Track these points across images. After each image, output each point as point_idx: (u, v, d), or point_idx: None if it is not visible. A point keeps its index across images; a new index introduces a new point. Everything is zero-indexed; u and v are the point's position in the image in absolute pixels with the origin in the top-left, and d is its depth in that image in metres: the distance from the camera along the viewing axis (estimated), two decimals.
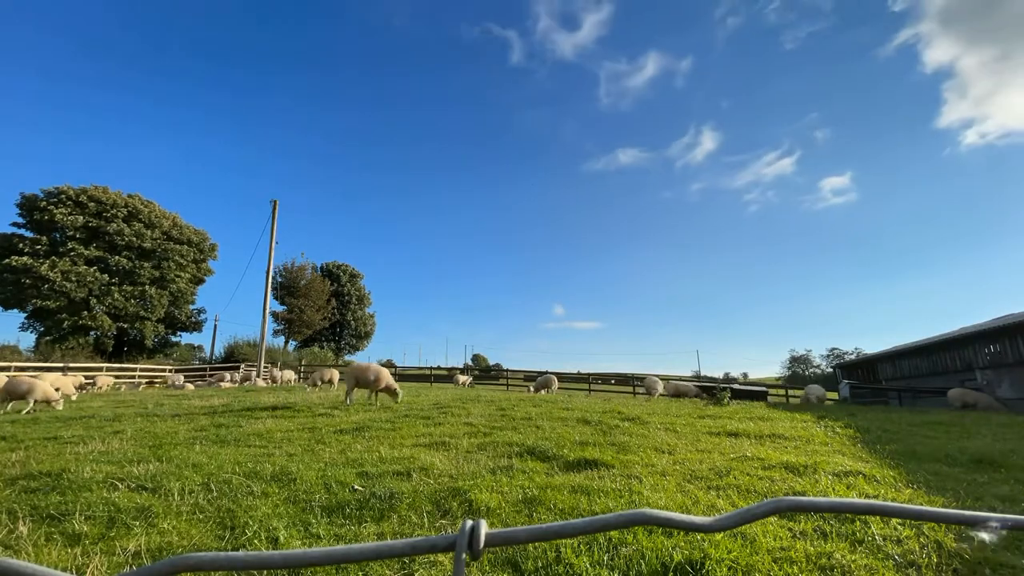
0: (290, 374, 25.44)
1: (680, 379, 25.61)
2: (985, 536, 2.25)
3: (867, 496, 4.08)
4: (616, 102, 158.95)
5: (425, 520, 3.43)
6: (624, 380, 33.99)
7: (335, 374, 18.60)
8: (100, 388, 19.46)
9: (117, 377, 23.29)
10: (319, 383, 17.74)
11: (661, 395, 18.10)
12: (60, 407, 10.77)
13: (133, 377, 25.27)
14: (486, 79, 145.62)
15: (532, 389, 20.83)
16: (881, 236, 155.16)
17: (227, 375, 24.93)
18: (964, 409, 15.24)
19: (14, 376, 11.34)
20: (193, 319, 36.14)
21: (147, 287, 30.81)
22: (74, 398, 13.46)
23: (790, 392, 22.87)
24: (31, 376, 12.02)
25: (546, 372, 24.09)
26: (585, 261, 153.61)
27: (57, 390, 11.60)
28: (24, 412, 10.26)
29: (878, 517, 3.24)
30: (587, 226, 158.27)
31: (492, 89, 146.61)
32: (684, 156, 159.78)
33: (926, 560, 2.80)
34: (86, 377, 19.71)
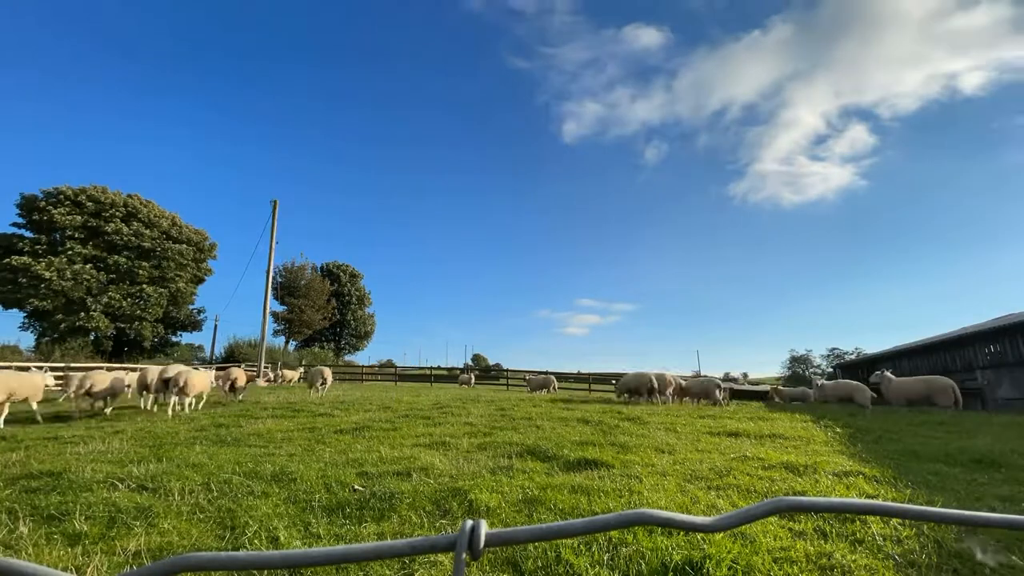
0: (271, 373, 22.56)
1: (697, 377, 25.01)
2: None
3: (867, 496, 4.09)
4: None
5: (425, 520, 3.43)
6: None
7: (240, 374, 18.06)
8: (289, 381, 18.53)
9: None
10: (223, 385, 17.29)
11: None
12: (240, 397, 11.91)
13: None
14: (489, 83, 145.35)
15: (529, 390, 20.55)
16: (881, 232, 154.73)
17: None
18: None
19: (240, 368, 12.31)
20: (193, 319, 36.16)
21: (145, 286, 30.80)
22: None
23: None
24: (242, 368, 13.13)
25: (546, 372, 24.06)
26: (586, 261, 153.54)
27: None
28: (239, 399, 11.55)
29: (878, 517, 3.24)
30: (587, 227, 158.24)
31: (495, 93, 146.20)
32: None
33: (926, 560, 2.80)
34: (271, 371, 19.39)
